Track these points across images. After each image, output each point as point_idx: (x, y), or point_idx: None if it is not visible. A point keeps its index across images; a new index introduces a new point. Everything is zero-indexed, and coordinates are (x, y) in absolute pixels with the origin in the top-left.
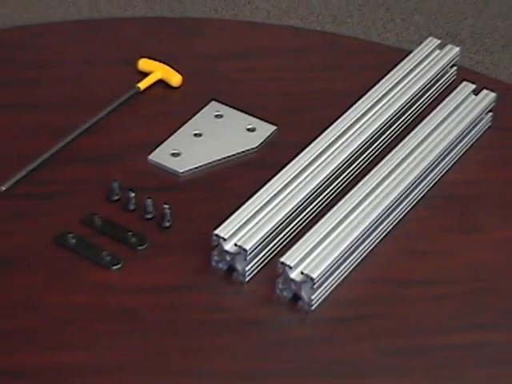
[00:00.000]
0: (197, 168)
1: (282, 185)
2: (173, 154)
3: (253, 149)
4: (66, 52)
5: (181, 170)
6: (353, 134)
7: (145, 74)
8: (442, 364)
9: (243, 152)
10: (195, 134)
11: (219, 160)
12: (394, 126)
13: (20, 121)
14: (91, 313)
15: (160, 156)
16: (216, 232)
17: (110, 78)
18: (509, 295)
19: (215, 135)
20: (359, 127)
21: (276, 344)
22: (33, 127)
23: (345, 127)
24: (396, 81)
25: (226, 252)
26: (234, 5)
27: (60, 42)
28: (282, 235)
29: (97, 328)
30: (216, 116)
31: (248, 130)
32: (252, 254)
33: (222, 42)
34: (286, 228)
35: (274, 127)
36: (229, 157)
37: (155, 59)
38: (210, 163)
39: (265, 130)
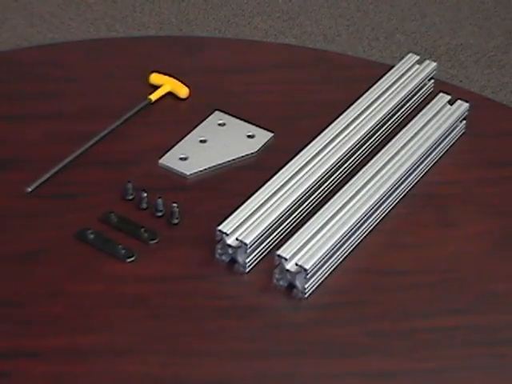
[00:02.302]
0: (202, 171)
1: (279, 185)
2: (181, 159)
3: (252, 153)
4: (86, 67)
5: (188, 173)
6: (341, 140)
7: (155, 87)
8: (422, 345)
9: (243, 156)
10: (201, 141)
11: (222, 163)
12: (378, 133)
13: (45, 129)
14: (108, 300)
15: (169, 160)
16: (219, 228)
17: (125, 91)
18: (480, 283)
19: (219, 141)
20: (347, 134)
21: (273, 328)
22: (56, 134)
23: (334, 134)
24: (380, 92)
25: (229, 246)
26: (236, 25)
27: (80, 58)
28: (278, 230)
29: (113, 314)
30: (219, 124)
31: (248, 136)
32: (252, 248)
33: (225, 58)
34: (283, 224)
35: (271, 134)
36: (231, 160)
37: (165, 73)
38: (214, 166)
39: (263, 136)
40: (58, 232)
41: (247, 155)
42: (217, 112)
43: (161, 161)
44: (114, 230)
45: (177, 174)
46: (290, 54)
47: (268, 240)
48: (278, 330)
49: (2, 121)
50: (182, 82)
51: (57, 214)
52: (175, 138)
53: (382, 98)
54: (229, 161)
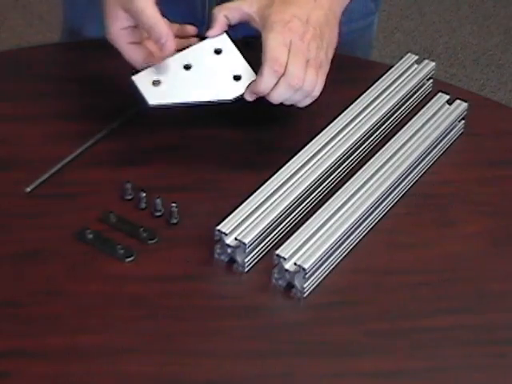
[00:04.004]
0: (164, 105)
1: (277, 185)
2: (154, 82)
3: (226, 101)
4: (86, 67)
5: (150, 102)
6: (340, 139)
7: None
8: (420, 344)
9: (217, 101)
10: (185, 66)
11: (191, 102)
12: (376, 133)
13: (43, 129)
14: (107, 300)
15: (142, 79)
16: (218, 228)
17: (125, 91)
18: (479, 282)
19: (201, 73)
20: (346, 133)
21: (272, 327)
22: (56, 134)
23: (333, 134)
24: (379, 92)
25: (228, 245)
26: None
27: (80, 58)
28: (277, 230)
29: (112, 313)
30: (216, 51)
31: (234, 77)
32: (250, 247)
33: None
34: (281, 224)
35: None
36: (201, 102)
37: None
38: (179, 103)
39: (249, 80)
40: (57, 232)
41: (221, 101)
42: (224, 35)
43: (134, 77)
44: (112, 230)
45: (177, 173)
46: None
47: (267, 240)
48: (276, 329)
49: (1, 121)
50: None
51: (56, 214)
52: (175, 138)
53: (381, 98)
54: (199, 102)
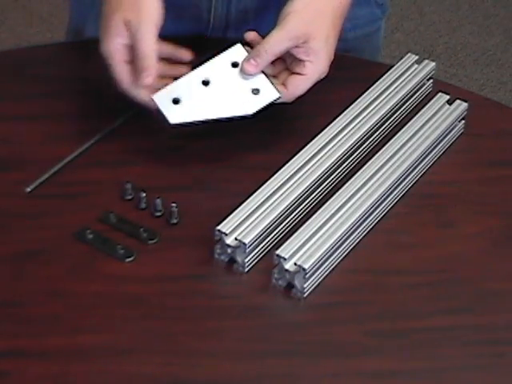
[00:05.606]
0: (185, 123)
1: (277, 185)
2: (174, 101)
3: (246, 116)
4: (86, 67)
5: (172, 121)
6: (340, 139)
7: None
8: (421, 344)
9: (236, 117)
10: (203, 82)
11: (209, 120)
12: (376, 133)
13: (44, 129)
14: (107, 300)
15: (162, 98)
16: (218, 228)
17: (124, 92)
18: (479, 282)
19: (220, 88)
20: (346, 134)
21: (272, 327)
22: (55, 134)
23: (333, 134)
24: (379, 92)
25: (228, 245)
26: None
27: (80, 58)
28: (277, 230)
29: (112, 313)
30: (233, 64)
31: (253, 91)
32: (251, 247)
33: None
34: (281, 224)
35: (278, 95)
36: (220, 119)
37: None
38: (199, 121)
39: (268, 94)
40: (57, 232)
41: (241, 116)
42: (238, 45)
43: (154, 96)
44: (113, 230)
45: (176, 173)
46: None
47: (267, 240)
48: (276, 329)
49: (1, 121)
50: None
51: (56, 214)
52: (175, 138)
53: (381, 98)
54: (220, 118)
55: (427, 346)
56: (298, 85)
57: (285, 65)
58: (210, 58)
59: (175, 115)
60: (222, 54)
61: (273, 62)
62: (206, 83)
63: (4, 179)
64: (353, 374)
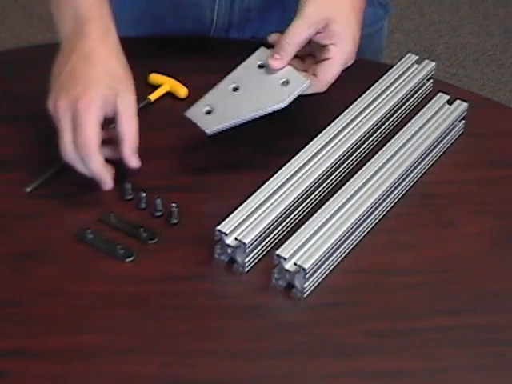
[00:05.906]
0: (221, 128)
1: (277, 185)
2: (207, 112)
3: (280, 107)
4: None
5: (208, 131)
6: (340, 139)
7: (154, 87)
8: (421, 345)
9: (271, 110)
10: (234, 88)
11: (245, 119)
12: (377, 133)
13: (43, 129)
14: (107, 300)
15: (194, 112)
16: (218, 227)
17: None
18: (479, 283)
19: (251, 89)
20: (346, 133)
21: (272, 327)
22: (55, 134)
23: (333, 134)
24: (379, 92)
25: (228, 245)
26: None
27: None
28: (277, 230)
29: (112, 313)
30: (259, 66)
31: (282, 83)
32: (251, 247)
33: (223, 59)
34: (281, 224)
35: (306, 81)
36: (256, 117)
37: (164, 74)
38: (234, 123)
39: (296, 83)
40: (57, 232)
41: (275, 109)
42: (262, 48)
43: (186, 113)
44: (113, 230)
45: (177, 172)
46: None
47: (267, 240)
48: (276, 329)
49: (1, 121)
50: (181, 82)
51: (56, 214)
52: (174, 137)
53: (381, 98)
54: (254, 116)
55: (427, 345)
56: (326, 70)
57: (314, 59)
58: (237, 65)
59: (210, 125)
60: (248, 59)
61: (302, 58)
62: (236, 89)
63: (4, 179)
64: (353, 374)
